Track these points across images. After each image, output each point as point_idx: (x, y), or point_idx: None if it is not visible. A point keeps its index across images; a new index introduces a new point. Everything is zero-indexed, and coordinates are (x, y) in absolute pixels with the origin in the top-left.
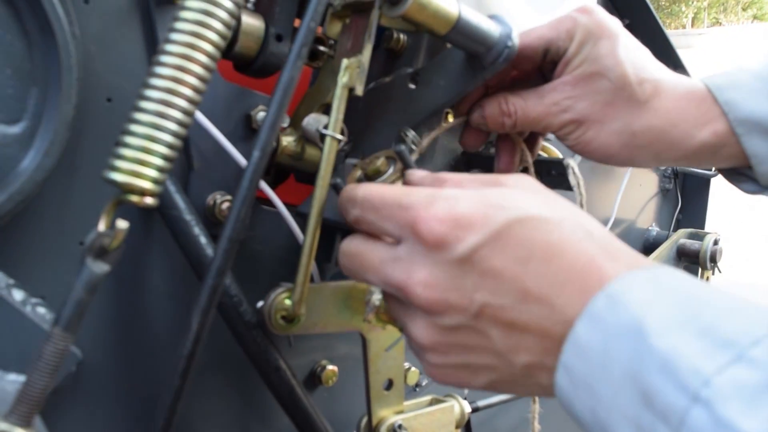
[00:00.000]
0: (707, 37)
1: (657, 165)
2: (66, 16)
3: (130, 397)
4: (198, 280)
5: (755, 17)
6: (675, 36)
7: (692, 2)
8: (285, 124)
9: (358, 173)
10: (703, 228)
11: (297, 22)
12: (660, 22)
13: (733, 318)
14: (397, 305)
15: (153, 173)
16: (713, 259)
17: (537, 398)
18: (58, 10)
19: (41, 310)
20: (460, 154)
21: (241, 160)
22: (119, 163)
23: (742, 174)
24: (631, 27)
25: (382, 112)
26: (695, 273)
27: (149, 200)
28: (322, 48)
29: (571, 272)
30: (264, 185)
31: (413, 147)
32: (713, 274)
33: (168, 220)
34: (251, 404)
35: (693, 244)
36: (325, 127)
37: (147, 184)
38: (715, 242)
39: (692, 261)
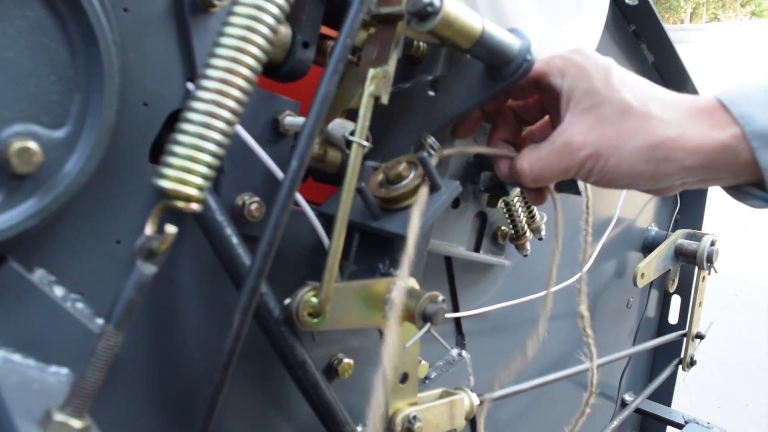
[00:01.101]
0: (705, 33)
1: (683, 178)
2: (108, 25)
3: (161, 389)
4: (230, 277)
5: (753, 14)
6: (673, 31)
7: None
8: None
9: (380, 176)
10: (700, 229)
11: (323, 29)
12: (666, 32)
13: None
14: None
15: (198, 181)
16: (710, 260)
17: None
18: (101, 18)
19: (80, 305)
20: (472, 157)
21: (269, 163)
22: (167, 171)
23: (747, 191)
24: (636, 33)
25: (401, 116)
26: (692, 273)
27: (194, 206)
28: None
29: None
30: (301, 200)
31: (432, 152)
32: (709, 273)
33: (201, 220)
34: (271, 396)
35: (691, 244)
36: (351, 133)
37: (192, 191)
38: (712, 243)
39: (689, 261)
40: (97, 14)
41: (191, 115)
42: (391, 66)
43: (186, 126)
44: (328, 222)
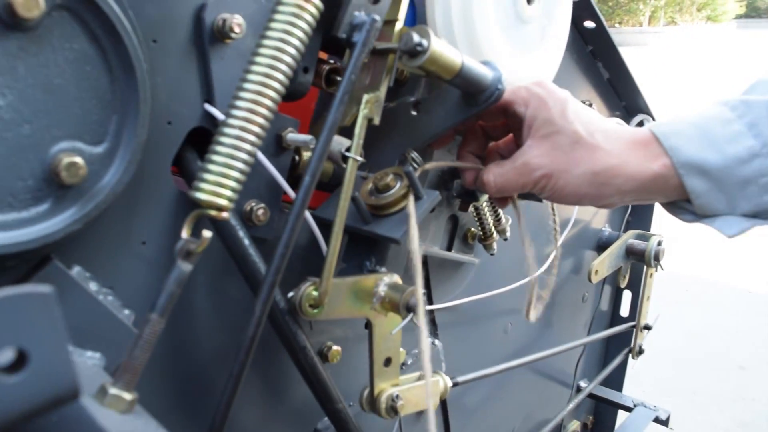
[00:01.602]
0: (663, 36)
1: (621, 199)
2: (142, 55)
3: (173, 375)
4: (241, 273)
5: (709, 18)
6: (632, 33)
7: (649, 1)
8: (312, 145)
9: (370, 186)
10: (649, 230)
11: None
12: (619, 51)
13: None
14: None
15: (229, 193)
16: (657, 258)
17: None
18: (138, 51)
19: (110, 298)
20: (446, 168)
21: (275, 174)
22: (202, 185)
23: (680, 207)
24: (593, 53)
25: (386, 133)
26: (641, 270)
27: (225, 215)
28: (338, 78)
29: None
30: (293, 195)
31: (415, 166)
32: (656, 270)
33: (216, 223)
34: (269, 378)
35: (640, 244)
36: (348, 149)
37: (224, 202)
38: (659, 243)
39: (638, 259)
40: (134, 47)
41: (223, 139)
42: (383, 92)
43: (218, 147)
44: (322, 224)
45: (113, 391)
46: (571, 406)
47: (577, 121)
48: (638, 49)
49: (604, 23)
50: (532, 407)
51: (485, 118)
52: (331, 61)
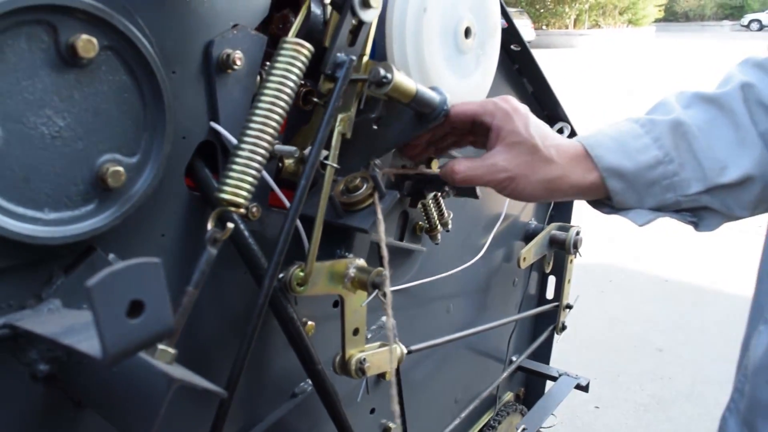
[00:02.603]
0: (588, 38)
1: (563, 199)
2: (167, 84)
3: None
4: (242, 258)
5: (630, 21)
6: (559, 35)
7: (575, 4)
8: (296, 155)
9: (342, 186)
10: (569, 222)
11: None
12: (540, 69)
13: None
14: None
15: (246, 193)
16: (575, 246)
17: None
18: (165, 82)
19: None
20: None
21: (267, 177)
22: (225, 188)
23: (601, 203)
24: (519, 71)
25: (352, 143)
26: (563, 257)
27: (242, 210)
28: (315, 99)
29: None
30: (284, 198)
31: (377, 170)
32: (575, 257)
33: (223, 218)
34: (254, 350)
35: (561, 234)
36: (326, 158)
37: (242, 201)
38: (577, 233)
39: (560, 247)
40: (163, 78)
41: (241, 152)
42: (353, 112)
43: (237, 159)
44: (302, 219)
45: (161, 346)
46: (505, 374)
47: (537, 135)
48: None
49: (527, 46)
50: (472, 379)
51: (453, 126)
52: (307, 84)
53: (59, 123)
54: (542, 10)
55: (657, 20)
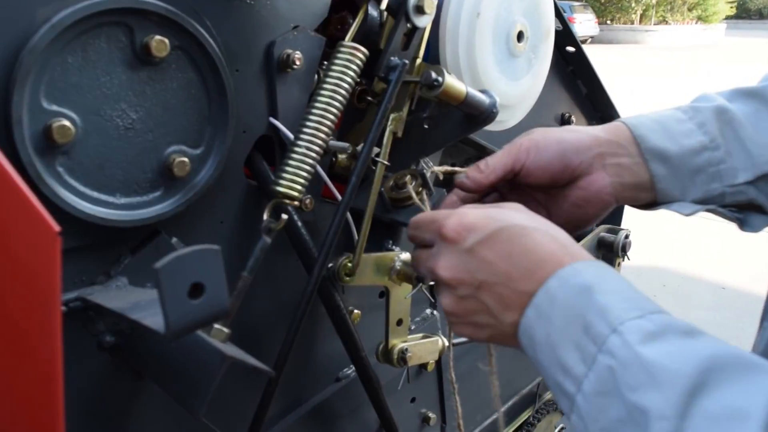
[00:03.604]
0: (655, 35)
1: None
2: (231, 82)
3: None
4: (294, 247)
5: (699, 18)
6: (624, 31)
7: None
8: (349, 151)
9: (391, 183)
10: (619, 225)
11: None
12: (595, 70)
13: (643, 297)
14: (436, 288)
15: (300, 187)
16: (624, 249)
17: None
18: (229, 79)
19: None
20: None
21: (321, 172)
22: (281, 181)
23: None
24: (574, 72)
25: (403, 142)
26: (612, 261)
27: (296, 203)
28: (368, 98)
29: (540, 262)
30: (336, 192)
31: (426, 168)
32: (623, 260)
33: (277, 210)
34: (301, 336)
35: (610, 237)
36: (377, 155)
37: (296, 194)
38: (626, 236)
39: (608, 250)
40: (227, 76)
41: (297, 148)
42: (405, 113)
43: (293, 152)
44: (352, 213)
45: (216, 326)
46: None
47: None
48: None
49: (582, 48)
50: (512, 375)
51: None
52: (362, 83)
53: (132, 116)
54: (607, 5)
55: (728, 17)
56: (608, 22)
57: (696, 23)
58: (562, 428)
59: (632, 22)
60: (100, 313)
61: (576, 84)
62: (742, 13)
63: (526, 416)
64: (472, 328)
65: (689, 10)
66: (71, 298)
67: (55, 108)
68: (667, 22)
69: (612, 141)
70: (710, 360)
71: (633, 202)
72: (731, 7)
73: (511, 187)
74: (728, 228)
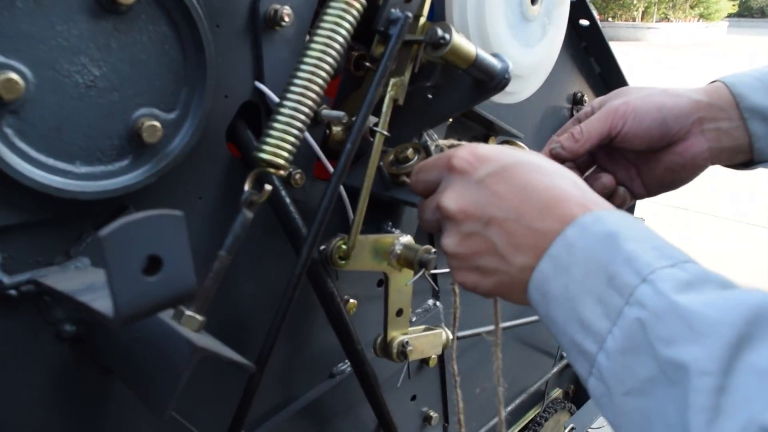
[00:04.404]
0: (657, 32)
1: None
2: (210, 38)
3: (218, 308)
4: (282, 226)
5: (701, 15)
6: (626, 28)
7: None
8: (344, 120)
9: (391, 157)
10: (632, 213)
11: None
12: (610, 48)
13: (673, 246)
14: (439, 230)
15: (286, 154)
16: None
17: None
18: (208, 35)
19: None
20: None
21: (313, 144)
22: (265, 147)
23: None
24: (587, 49)
25: (405, 113)
26: None
27: (282, 172)
28: (366, 63)
29: (559, 201)
30: (330, 167)
31: (430, 142)
32: None
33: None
34: (291, 327)
35: None
36: (375, 125)
37: (282, 161)
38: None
39: None
40: (205, 31)
41: (283, 110)
42: (407, 77)
43: (278, 116)
44: (348, 191)
45: (188, 313)
46: (555, 370)
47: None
48: (633, 44)
49: (598, 22)
50: (519, 372)
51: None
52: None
53: (94, 72)
54: (609, 2)
55: (730, 15)
56: (610, 19)
57: (698, 21)
58: (572, 428)
59: (634, 20)
60: (57, 299)
61: (589, 62)
62: (744, 11)
63: (533, 415)
64: (476, 274)
65: (691, 7)
66: (22, 281)
67: (1, 59)
68: (668, 20)
69: (712, 104)
70: (758, 309)
71: (728, 162)
72: (733, 5)
73: (601, 148)
74: (729, 228)
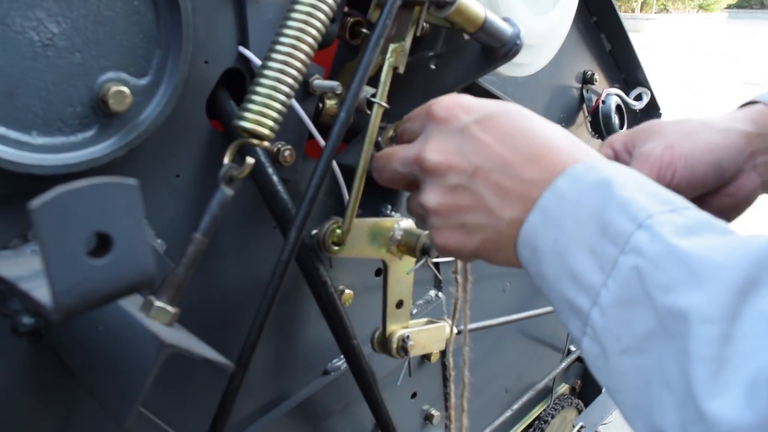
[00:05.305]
0: (656, 23)
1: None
2: None
3: (200, 299)
4: (269, 208)
5: (701, 7)
6: (625, 19)
7: None
8: (338, 91)
9: (390, 133)
10: None
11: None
12: (623, 24)
13: (670, 193)
14: (416, 186)
15: (271, 123)
16: None
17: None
18: None
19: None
20: None
21: (304, 117)
22: (247, 115)
23: None
24: (597, 24)
25: (406, 85)
26: None
27: (266, 144)
28: (363, 30)
29: (548, 149)
30: (322, 142)
31: None
32: None
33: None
34: (282, 319)
35: None
36: (373, 96)
37: (266, 131)
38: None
39: None
40: None
41: (267, 72)
42: (408, 42)
43: (262, 80)
44: (344, 170)
45: (159, 304)
46: (563, 365)
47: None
48: (632, 35)
49: None
50: (525, 368)
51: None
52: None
53: (53, 29)
54: None
55: (729, 6)
56: None
57: (697, 12)
58: (581, 427)
59: (633, 11)
60: (10, 288)
61: (599, 38)
62: (744, 2)
63: (539, 411)
64: (460, 233)
65: None
66: None
67: None
68: (667, 11)
69: (762, 134)
70: (763, 252)
71: None
72: None
73: None
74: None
